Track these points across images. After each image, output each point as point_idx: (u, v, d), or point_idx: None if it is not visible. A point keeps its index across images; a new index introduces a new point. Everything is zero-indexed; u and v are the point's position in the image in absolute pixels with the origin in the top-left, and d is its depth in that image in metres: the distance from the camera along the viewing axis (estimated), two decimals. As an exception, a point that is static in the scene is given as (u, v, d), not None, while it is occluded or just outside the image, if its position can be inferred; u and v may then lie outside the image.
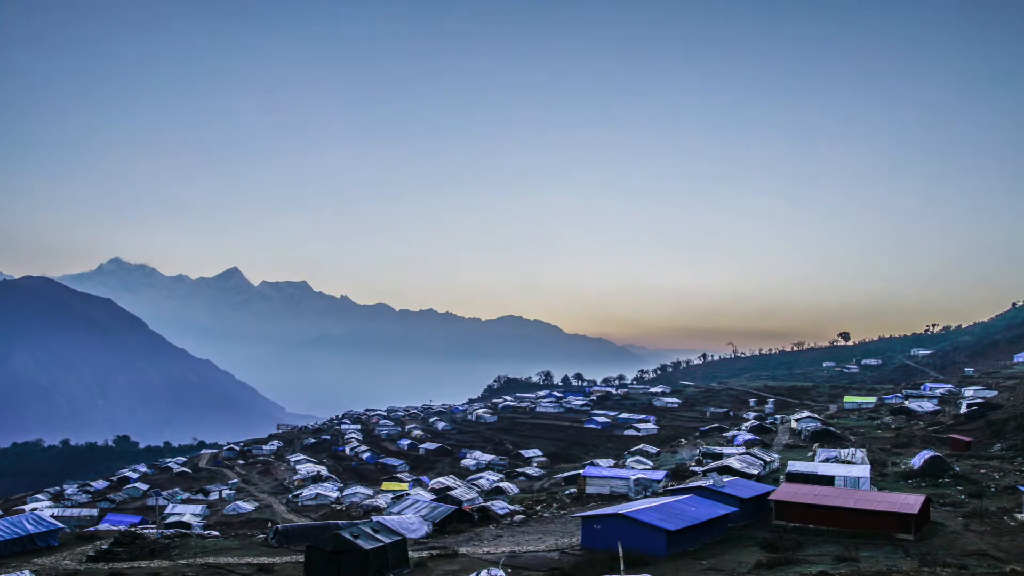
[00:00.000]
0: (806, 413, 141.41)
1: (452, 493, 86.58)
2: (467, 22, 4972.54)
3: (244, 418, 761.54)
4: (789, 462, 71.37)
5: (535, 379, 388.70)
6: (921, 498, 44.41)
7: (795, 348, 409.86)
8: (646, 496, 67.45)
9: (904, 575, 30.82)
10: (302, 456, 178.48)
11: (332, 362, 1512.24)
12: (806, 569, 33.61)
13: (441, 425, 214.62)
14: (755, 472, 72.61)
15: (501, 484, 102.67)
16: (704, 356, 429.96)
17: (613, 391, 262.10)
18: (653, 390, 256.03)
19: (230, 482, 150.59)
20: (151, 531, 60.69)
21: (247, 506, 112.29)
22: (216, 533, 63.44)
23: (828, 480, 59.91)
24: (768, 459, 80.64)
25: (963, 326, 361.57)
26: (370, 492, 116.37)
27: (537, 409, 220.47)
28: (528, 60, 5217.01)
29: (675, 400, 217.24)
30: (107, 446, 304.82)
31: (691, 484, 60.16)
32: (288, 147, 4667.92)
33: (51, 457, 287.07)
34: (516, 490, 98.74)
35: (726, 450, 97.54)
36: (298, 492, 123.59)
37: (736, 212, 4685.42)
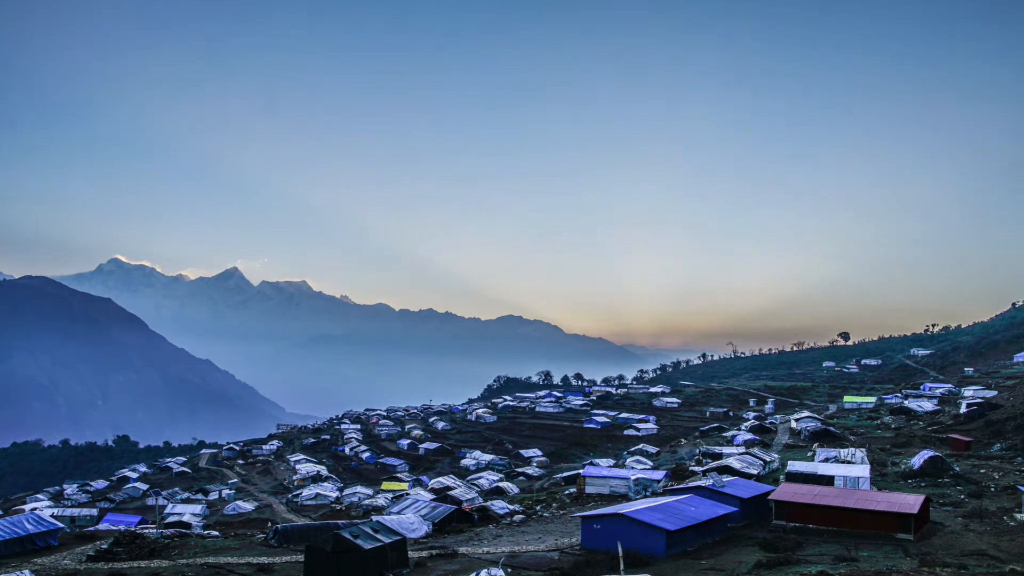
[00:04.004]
0: (806, 413, 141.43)
1: (452, 493, 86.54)
2: (475, 19, 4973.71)
3: (244, 418, 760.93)
4: (789, 462, 71.31)
5: (535, 379, 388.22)
6: (921, 498, 44.39)
7: (795, 348, 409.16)
8: (646, 496, 67.44)
9: (904, 575, 30.81)
10: (302, 456, 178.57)
11: (332, 362, 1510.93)
12: (806, 569, 33.60)
13: (441, 425, 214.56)
14: (755, 472, 72.61)
15: (501, 484, 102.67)
16: (704, 356, 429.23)
17: (613, 391, 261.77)
18: (653, 390, 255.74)
19: (230, 482, 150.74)
20: (151, 531, 60.69)
21: (247, 506, 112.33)
22: (216, 533, 63.39)
23: (828, 480, 59.88)
24: (768, 459, 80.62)
25: (963, 326, 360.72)
26: (370, 492, 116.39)
27: (537, 409, 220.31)
28: (526, 61, 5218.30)
29: (675, 400, 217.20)
30: (107, 446, 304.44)
31: (691, 484, 60.09)
32: (288, 147, 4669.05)
33: (51, 457, 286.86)
34: (516, 490, 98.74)
35: (726, 450, 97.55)
36: (298, 492, 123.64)
37: (736, 212, 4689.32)
